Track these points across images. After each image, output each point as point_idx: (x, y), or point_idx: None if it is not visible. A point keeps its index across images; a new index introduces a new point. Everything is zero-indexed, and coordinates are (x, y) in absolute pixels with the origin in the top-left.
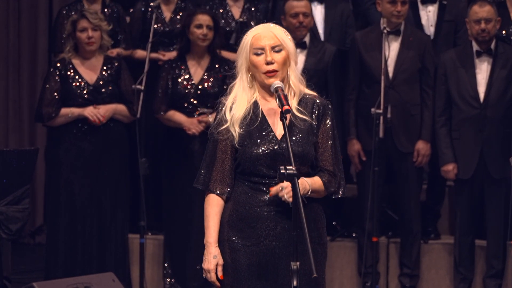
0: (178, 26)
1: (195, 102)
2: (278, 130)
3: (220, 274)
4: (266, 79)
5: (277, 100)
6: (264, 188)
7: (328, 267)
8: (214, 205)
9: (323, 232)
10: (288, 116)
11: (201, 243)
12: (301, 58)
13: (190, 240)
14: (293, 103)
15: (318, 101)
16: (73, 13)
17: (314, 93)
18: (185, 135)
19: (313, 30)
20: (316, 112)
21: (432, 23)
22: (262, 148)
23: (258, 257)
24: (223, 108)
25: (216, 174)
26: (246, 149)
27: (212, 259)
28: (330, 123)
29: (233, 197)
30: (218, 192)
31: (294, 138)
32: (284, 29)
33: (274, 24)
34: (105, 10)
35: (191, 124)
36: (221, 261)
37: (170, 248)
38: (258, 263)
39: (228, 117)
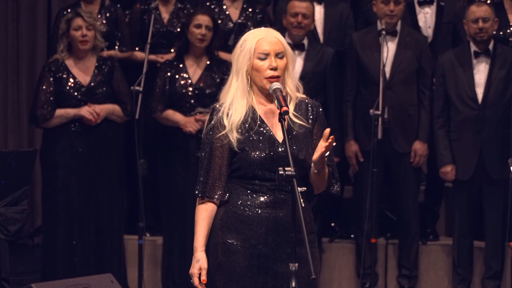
0: (177, 27)
1: (192, 102)
2: (278, 133)
3: (203, 278)
4: (267, 84)
5: (276, 101)
6: (265, 191)
7: (327, 268)
8: (203, 210)
9: (315, 236)
10: (286, 117)
11: None
12: (299, 61)
13: (187, 241)
14: (290, 108)
15: (310, 103)
16: (69, 10)
17: (303, 95)
18: (181, 135)
19: (312, 30)
20: (311, 115)
21: (430, 25)
22: (264, 153)
23: (257, 259)
24: (219, 114)
25: (215, 180)
26: (248, 154)
27: (195, 263)
28: (323, 124)
29: (231, 201)
30: (217, 197)
31: (294, 144)
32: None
33: (274, 29)
34: (103, 11)
35: (188, 122)
36: (203, 265)
37: (168, 249)
38: (257, 265)
39: (225, 122)
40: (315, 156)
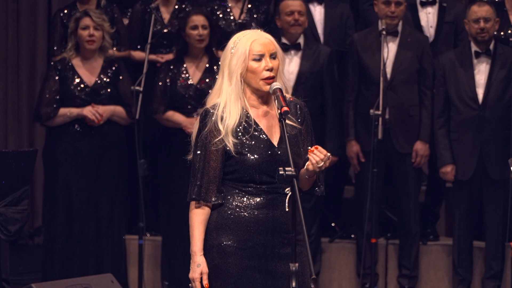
0: (177, 27)
1: (193, 103)
2: (274, 136)
3: (205, 282)
4: (264, 85)
5: (276, 101)
6: (261, 193)
7: (327, 268)
8: (199, 214)
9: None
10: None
11: None
12: (295, 60)
13: (187, 242)
14: None
15: (297, 103)
16: (65, 11)
17: (289, 95)
18: (181, 135)
19: (313, 31)
20: (300, 116)
21: (432, 25)
22: (261, 156)
23: (255, 260)
24: (213, 118)
25: (209, 183)
26: (245, 158)
27: (196, 267)
28: (309, 124)
29: (226, 203)
30: (213, 200)
31: (289, 145)
32: None
33: (262, 30)
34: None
35: (190, 124)
36: (205, 269)
37: (167, 250)
38: (255, 266)
39: (220, 127)
40: (311, 166)
